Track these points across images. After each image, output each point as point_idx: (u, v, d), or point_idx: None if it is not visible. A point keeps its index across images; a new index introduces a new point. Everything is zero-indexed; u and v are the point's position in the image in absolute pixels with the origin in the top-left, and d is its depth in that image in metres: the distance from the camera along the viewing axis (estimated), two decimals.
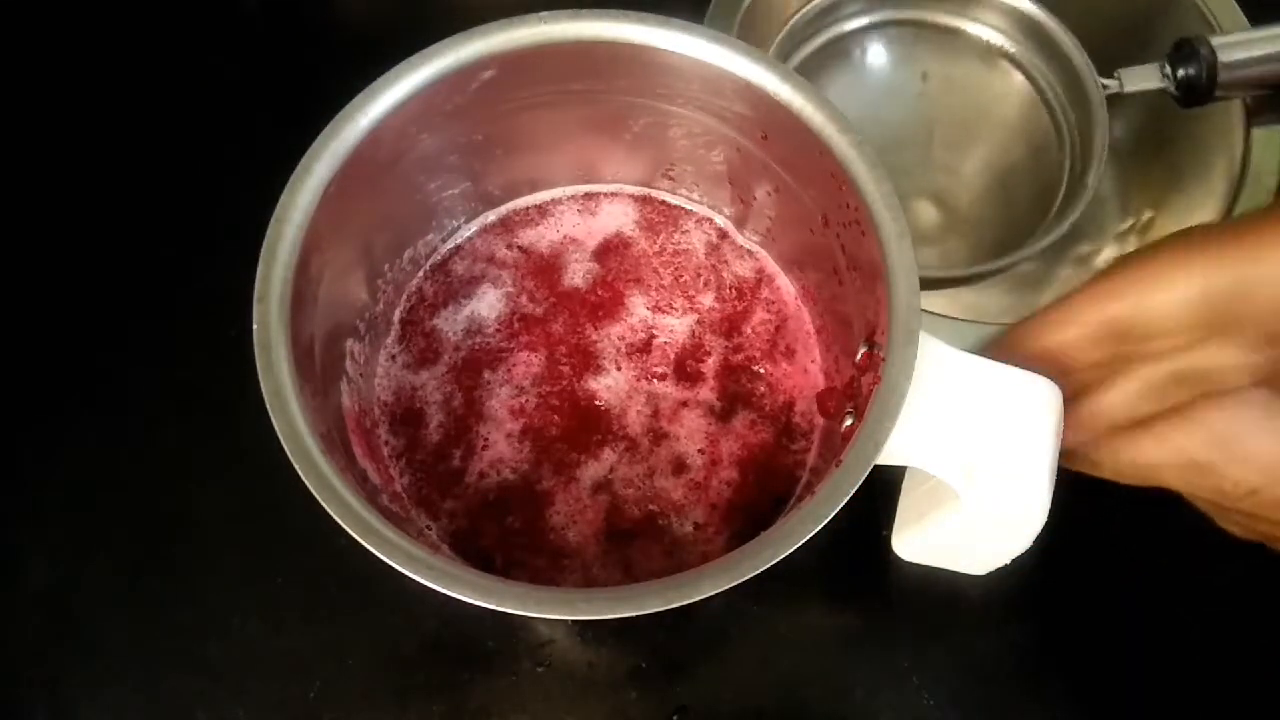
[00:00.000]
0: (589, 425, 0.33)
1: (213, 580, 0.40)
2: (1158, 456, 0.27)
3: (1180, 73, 0.38)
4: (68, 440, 0.42)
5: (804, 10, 0.43)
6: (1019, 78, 0.44)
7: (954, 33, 0.45)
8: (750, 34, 0.42)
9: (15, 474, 0.42)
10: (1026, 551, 0.29)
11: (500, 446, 0.33)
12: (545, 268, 0.36)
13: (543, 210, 0.37)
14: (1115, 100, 0.40)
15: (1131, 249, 0.39)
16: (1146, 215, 0.45)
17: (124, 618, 0.39)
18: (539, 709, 0.38)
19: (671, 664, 0.38)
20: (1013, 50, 0.44)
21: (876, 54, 0.46)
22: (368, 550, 0.26)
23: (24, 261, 0.46)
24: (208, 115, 0.50)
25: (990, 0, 0.43)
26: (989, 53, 0.44)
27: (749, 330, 0.35)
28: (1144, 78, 0.39)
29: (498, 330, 0.35)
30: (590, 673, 0.38)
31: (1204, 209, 0.42)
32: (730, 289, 0.35)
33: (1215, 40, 0.38)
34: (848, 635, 0.39)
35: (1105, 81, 0.39)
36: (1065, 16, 0.43)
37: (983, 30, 0.44)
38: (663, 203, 0.37)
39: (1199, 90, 0.38)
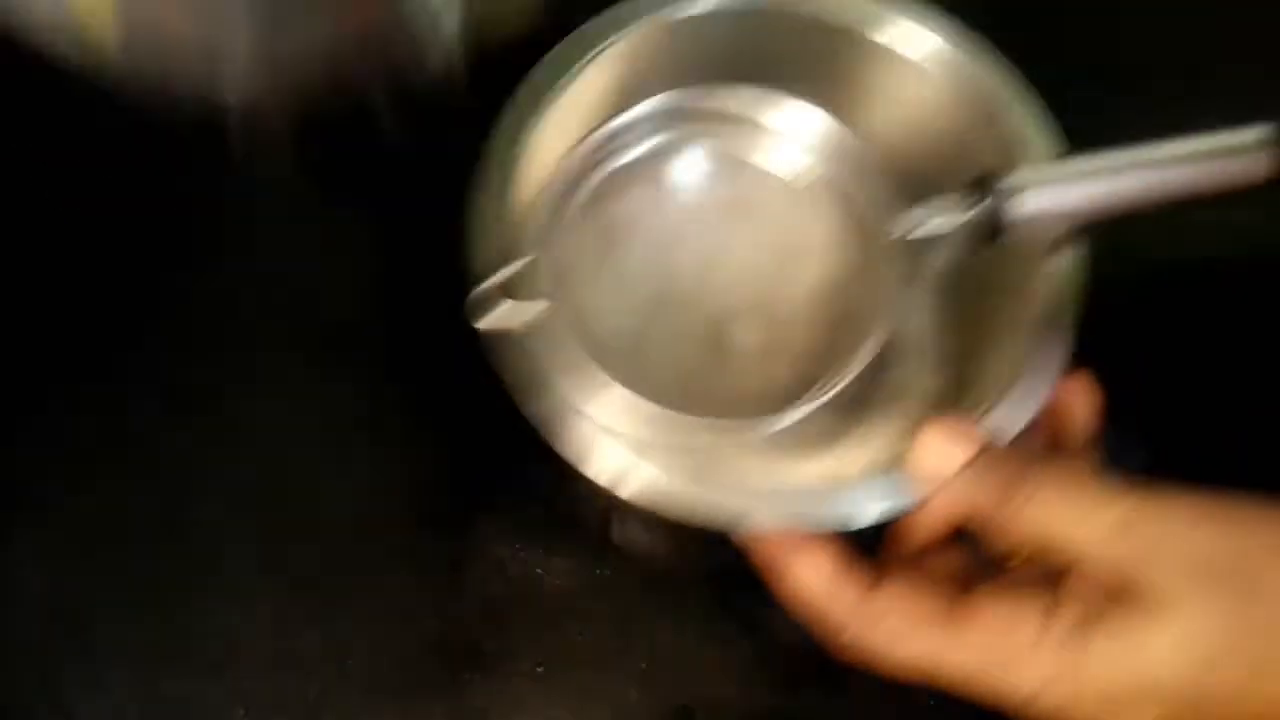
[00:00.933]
0: None
1: (213, 580, 0.40)
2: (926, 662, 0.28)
3: (975, 211, 0.34)
4: (68, 440, 0.42)
5: (597, 132, 0.37)
6: (830, 203, 0.39)
7: (762, 150, 0.39)
8: (539, 158, 0.37)
9: (15, 474, 0.42)
10: None
11: None
12: None
13: None
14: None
15: (947, 396, 0.39)
16: (957, 366, 0.41)
17: (124, 618, 0.39)
18: (539, 709, 0.38)
19: (672, 664, 0.38)
20: (823, 172, 0.38)
21: (682, 173, 0.39)
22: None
23: (23, 260, 0.46)
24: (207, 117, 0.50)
25: (799, 117, 0.38)
26: (800, 174, 0.39)
27: None
28: (945, 214, 0.35)
29: None
30: (590, 673, 0.38)
31: (1010, 361, 0.36)
32: None
33: (1013, 177, 0.34)
34: None
35: (904, 220, 0.35)
36: (884, 142, 0.40)
37: (794, 150, 0.38)
38: None
39: (994, 230, 0.34)
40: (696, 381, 0.37)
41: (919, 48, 0.40)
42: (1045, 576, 0.27)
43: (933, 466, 0.29)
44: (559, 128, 0.37)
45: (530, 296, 0.32)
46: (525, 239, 0.33)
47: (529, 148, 0.37)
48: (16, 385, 0.43)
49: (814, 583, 0.30)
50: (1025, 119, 0.38)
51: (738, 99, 0.37)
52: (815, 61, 0.41)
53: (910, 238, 0.34)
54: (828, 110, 0.38)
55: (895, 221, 0.34)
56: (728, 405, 0.35)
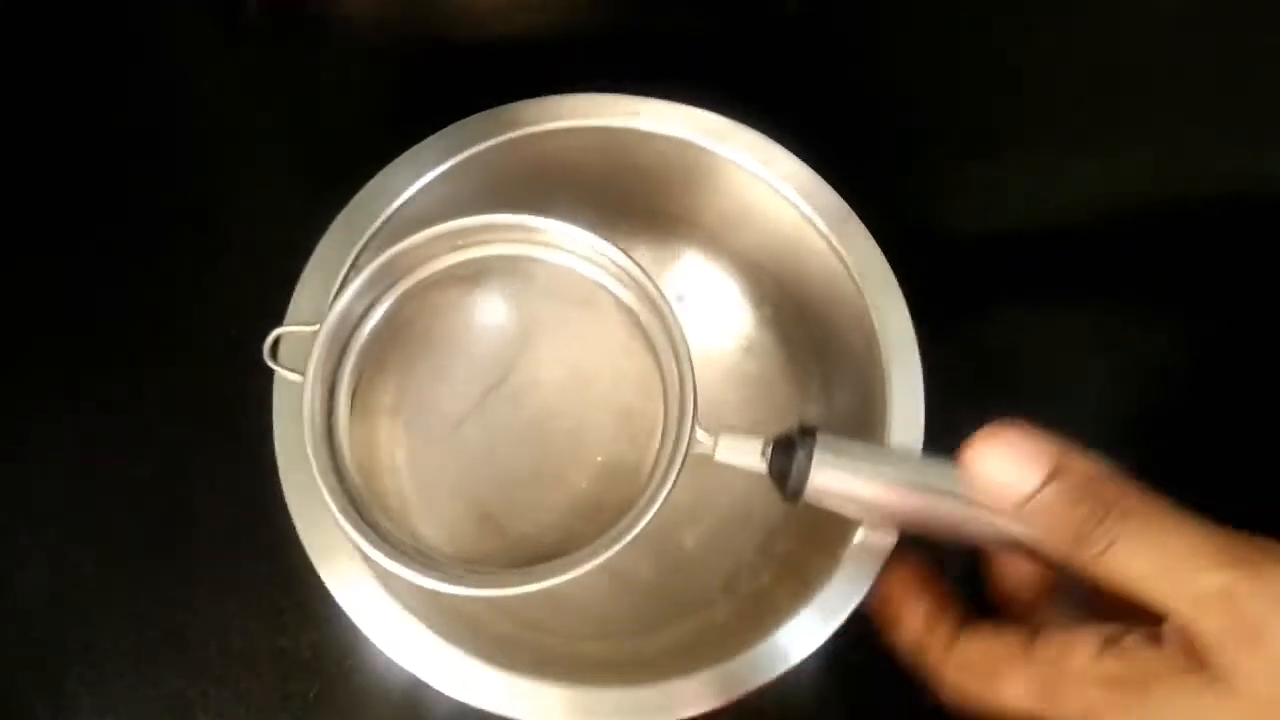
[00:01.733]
0: None
1: (213, 580, 0.40)
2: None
3: (775, 465, 0.30)
4: (68, 440, 0.42)
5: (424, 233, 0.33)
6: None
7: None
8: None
9: (15, 474, 0.42)
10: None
11: None
12: None
13: None
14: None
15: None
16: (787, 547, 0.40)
17: (124, 618, 0.39)
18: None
19: None
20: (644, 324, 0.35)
21: (496, 291, 0.36)
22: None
23: (24, 261, 0.46)
24: (208, 118, 0.50)
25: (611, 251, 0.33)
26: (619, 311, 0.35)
27: None
28: (742, 452, 0.31)
29: None
30: None
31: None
32: None
33: (823, 444, 0.30)
34: (848, 635, 0.39)
35: (701, 437, 0.31)
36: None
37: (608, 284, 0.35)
38: None
39: (789, 491, 0.30)
40: (488, 515, 0.35)
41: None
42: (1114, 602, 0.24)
43: (993, 481, 0.24)
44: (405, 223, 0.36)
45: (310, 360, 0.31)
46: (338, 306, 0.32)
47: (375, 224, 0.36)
48: (17, 385, 0.43)
49: (910, 633, 0.28)
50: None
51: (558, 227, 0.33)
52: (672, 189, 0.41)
53: (715, 458, 0.31)
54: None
55: (702, 438, 0.31)
56: (517, 544, 0.34)
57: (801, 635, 0.32)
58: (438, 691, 0.38)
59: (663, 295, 0.32)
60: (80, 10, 0.52)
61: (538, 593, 0.29)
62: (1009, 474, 0.24)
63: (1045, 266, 0.47)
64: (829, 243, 0.38)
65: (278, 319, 0.34)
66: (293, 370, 0.32)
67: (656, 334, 0.33)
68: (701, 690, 0.31)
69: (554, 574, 0.29)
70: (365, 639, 0.39)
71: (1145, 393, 0.44)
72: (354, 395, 0.34)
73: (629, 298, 0.34)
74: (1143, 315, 0.46)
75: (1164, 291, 0.47)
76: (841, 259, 0.38)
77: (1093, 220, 0.48)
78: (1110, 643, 0.23)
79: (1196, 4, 0.54)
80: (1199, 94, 0.51)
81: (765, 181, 0.39)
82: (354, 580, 0.33)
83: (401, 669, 0.38)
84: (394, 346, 0.35)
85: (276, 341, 0.33)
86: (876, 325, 0.36)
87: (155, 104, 0.50)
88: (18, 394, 0.43)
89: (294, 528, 0.33)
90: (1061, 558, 0.24)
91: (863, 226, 0.37)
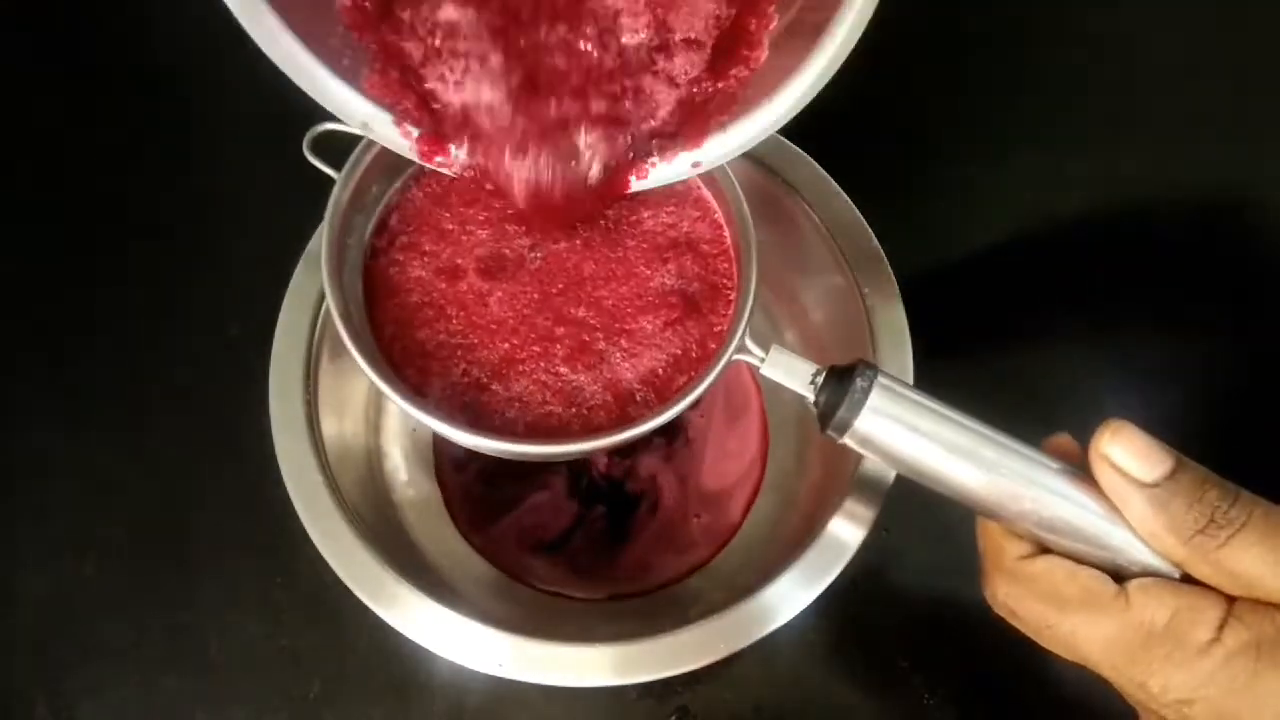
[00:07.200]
0: None
1: (213, 580, 0.40)
2: (1088, 637, 0.25)
3: (825, 393, 0.28)
4: (68, 440, 0.42)
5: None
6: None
7: None
8: None
9: (15, 474, 0.42)
10: None
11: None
12: None
13: None
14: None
15: None
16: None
17: (124, 618, 0.39)
18: (540, 708, 0.38)
19: None
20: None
21: None
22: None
23: (25, 262, 0.46)
24: (209, 119, 0.50)
25: None
26: None
27: None
28: (790, 373, 0.29)
29: None
30: None
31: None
32: None
33: (884, 388, 0.27)
34: (847, 635, 0.39)
35: (753, 348, 0.30)
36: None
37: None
38: None
39: (832, 427, 0.28)
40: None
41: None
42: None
43: (1121, 469, 0.25)
44: None
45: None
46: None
47: None
48: (18, 386, 0.43)
49: (989, 531, 0.28)
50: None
51: None
52: None
53: (759, 372, 0.29)
54: None
55: (751, 347, 0.30)
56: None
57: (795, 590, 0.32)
58: (436, 691, 0.38)
59: (739, 197, 0.31)
60: (81, 11, 0.52)
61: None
62: (1134, 464, 0.25)
63: (1045, 268, 0.47)
64: (831, 238, 0.38)
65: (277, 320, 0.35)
66: (331, 167, 0.31)
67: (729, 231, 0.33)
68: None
69: (560, 444, 0.29)
70: (365, 639, 0.39)
71: (1144, 393, 0.44)
72: (386, 223, 0.32)
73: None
74: (1142, 315, 0.46)
75: (1163, 292, 0.47)
76: (842, 253, 0.38)
77: (1092, 222, 0.48)
78: (1224, 624, 0.24)
79: (1196, 7, 0.54)
80: (1199, 97, 0.51)
81: (782, 177, 0.39)
82: (364, 566, 0.32)
83: (400, 670, 0.38)
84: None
85: (318, 137, 0.32)
86: (870, 318, 0.37)
87: (154, 104, 0.50)
88: (18, 394, 0.43)
89: (293, 528, 0.34)
90: (1170, 547, 0.25)
91: (865, 225, 0.38)
